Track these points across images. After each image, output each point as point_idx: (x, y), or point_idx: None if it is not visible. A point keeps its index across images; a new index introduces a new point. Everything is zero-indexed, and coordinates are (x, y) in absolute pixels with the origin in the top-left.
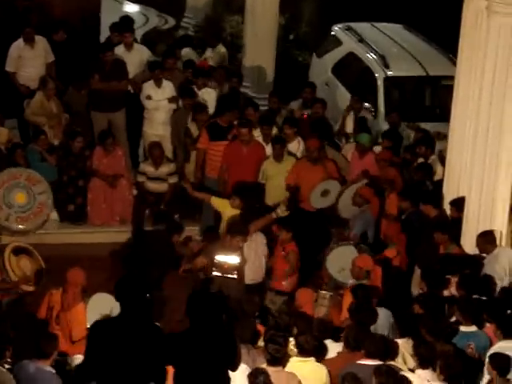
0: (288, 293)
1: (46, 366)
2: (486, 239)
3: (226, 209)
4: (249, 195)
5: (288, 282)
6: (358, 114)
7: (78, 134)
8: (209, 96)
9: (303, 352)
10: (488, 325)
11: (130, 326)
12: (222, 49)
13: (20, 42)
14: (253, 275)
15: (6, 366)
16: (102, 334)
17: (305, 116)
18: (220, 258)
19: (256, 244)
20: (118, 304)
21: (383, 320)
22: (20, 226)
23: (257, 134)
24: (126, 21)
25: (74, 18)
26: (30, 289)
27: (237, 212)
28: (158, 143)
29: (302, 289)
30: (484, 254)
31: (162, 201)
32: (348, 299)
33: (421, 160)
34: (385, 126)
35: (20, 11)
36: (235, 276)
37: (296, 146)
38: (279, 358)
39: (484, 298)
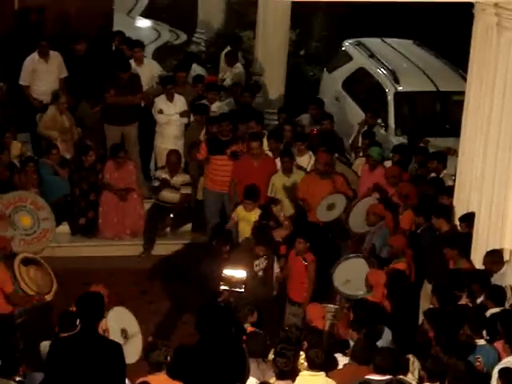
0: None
1: None
2: (493, 258)
3: (240, 214)
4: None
5: (306, 291)
6: (366, 128)
7: (90, 149)
8: (220, 111)
9: (313, 366)
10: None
11: (88, 342)
12: (240, 68)
13: (35, 55)
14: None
15: (18, 379)
16: (61, 352)
17: (314, 131)
18: (227, 272)
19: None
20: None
21: (384, 339)
22: (23, 249)
23: (264, 147)
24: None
25: (88, 33)
26: (48, 298)
27: (251, 215)
28: (177, 151)
29: (311, 304)
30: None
31: (173, 210)
32: None
33: (433, 175)
34: (395, 141)
35: (33, 25)
36: (242, 290)
37: (307, 160)
38: (287, 372)
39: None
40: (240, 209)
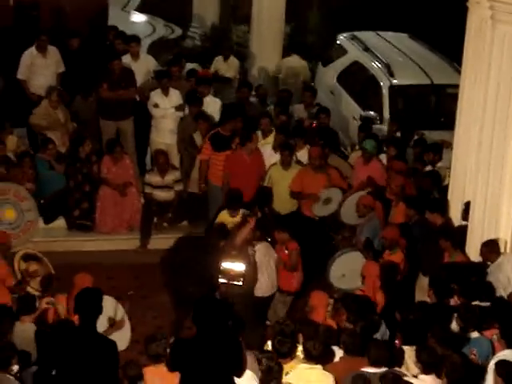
0: (295, 292)
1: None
2: (490, 248)
3: (227, 220)
4: (256, 200)
5: (294, 279)
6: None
7: (86, 139)
8: (213, 105)
9: (310, 358)
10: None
11: (86, 338)
12: (235, 60)
13: (33, 50)
14: (266, 288)
15: (15, 369)
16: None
17: (314, 125)
18: (226, 264)
19: (265, 256)
20: (119, 307)
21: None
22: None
23: (269, 140)
24: None
25: (83, 28)
26: (36, 293)
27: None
28: (163, 151)
29: (316, 291)
30: (489, 263)
31: (170, 208)
32: None
33: (429, 168)
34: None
35: (29, 20)
36: (241, 283)
37: (306, 154)
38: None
39: (486, 305)
40: (225, 215)
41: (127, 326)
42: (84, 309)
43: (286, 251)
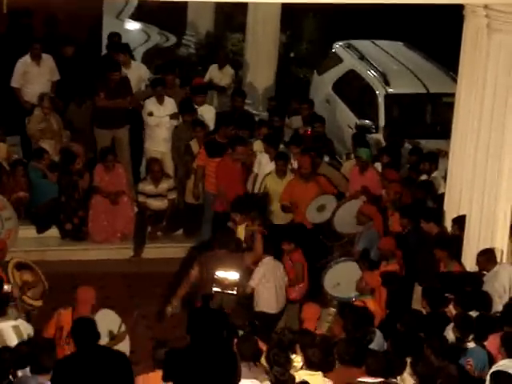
0: (298, 301)
1: (47, 382)
2: (487, 257)
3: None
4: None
5: (296, 290)
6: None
7: (77, 157)
8: (208, 113)
9: (311, 365)
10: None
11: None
12: (230, 69)
13: (27, 58)
14: (270, 304)
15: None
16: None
17: (308, 132)
18: (220, 273)
19: (273, 270)
20: (119, 321)
21: (376, 342)
22: None
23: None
24: None
25: (77, 36)
26: (39, 303)
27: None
28: (157, 159)
29: (309, 303)
30: (484, 272)
31: (163, 217)
32: None
33: (424, 177)
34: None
35: (22, 28)
36: (235, 292)
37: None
38: (284, 381)
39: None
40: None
41: (126, 338)
42: (80, 340)
43: (290, 262)
